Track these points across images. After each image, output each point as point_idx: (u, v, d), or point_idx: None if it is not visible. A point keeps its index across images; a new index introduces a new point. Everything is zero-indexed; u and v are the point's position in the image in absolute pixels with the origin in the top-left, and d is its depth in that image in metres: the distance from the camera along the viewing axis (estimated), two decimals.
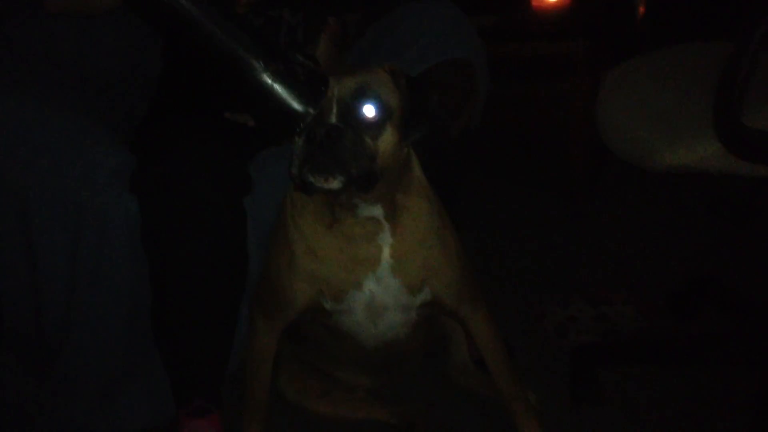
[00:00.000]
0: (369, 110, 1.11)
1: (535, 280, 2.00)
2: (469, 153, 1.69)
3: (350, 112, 1.10)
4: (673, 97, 1.39)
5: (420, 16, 1.78)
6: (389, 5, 1.86)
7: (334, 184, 1.08)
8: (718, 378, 1.58)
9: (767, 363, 1.50)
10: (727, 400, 1.53)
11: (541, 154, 2.66)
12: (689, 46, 1.62)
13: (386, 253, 1.24)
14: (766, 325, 1.56)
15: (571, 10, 2.40)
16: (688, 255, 2.06)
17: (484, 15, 2.50)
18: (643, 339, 1.73)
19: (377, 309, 1.29)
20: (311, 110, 1.13)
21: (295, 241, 1.26)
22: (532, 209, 2.40)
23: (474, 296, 1.35)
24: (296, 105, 1.15)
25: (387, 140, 1.12)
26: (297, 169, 1.09)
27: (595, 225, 2.27)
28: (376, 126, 1.11)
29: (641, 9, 1.96)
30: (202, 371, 1.43)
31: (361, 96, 1.11)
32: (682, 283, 1.82)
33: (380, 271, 1.25)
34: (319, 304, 1.28)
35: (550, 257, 2.12)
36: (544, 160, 2.64)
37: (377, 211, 1.21)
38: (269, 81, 1.14)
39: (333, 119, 1.09)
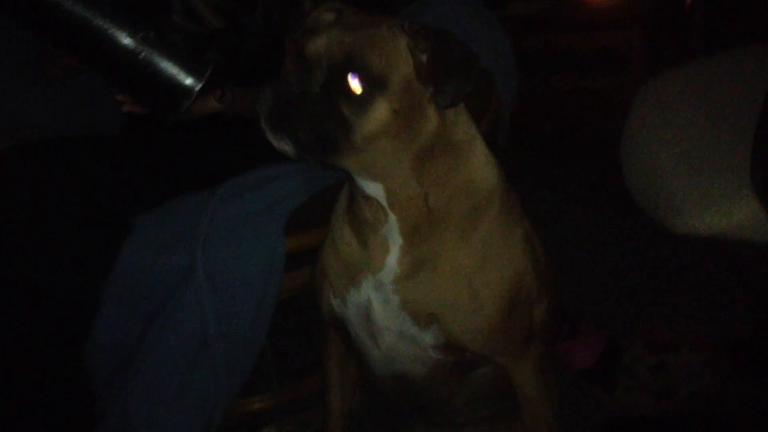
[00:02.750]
0: (354, 83, 0.95)
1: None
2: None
3: (335, 75, 0.95)
4: (711, 130, 1.12)
5: (432, 13, 1.57)
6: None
7: (284, 146, 0.97)
8: None
9: None
10: None
11: (590, 161, 2.29)
12: (746, 50, 1.31)
13: (393, 256, 1.05)
14: None
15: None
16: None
17: (527, 2, 2.23)
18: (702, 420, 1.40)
19: (376, 325, 1.10)
20: (196, 85, 0.99)
21: (327, 234, 1.15)
22: (579, 228, 2.06)
23: (519, 348, 1.11)
24: (179, 77, 1.00)
25: (375, 117, 0.96)
26: (260, 114, 0.98)
27: (655, 250, 1.92)
28: (361, 99, 0.95)
29: None
30: None
31: (349, 64, 0.95)
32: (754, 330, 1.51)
33: (381, 276, 1.06)
34: (331, 304, 1.14)
35: (602, 289, 1.80)
36: (593, 168, 2.27)
37: (378, 191, 1.03)
38: (136, 51, 0.98)
39: (317, 81, 0.96)
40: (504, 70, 1.60)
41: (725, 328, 1.59)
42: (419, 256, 1.04)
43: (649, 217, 1.08)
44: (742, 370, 1.45)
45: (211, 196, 1.29)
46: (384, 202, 1.03)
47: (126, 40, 0.97)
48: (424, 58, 0.96)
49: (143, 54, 0.97)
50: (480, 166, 1.04)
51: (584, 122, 2.30)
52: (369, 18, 0.98)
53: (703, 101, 1.18)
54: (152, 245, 1.28)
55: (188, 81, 0.99)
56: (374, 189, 1.02)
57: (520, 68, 1.65)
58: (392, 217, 1.03)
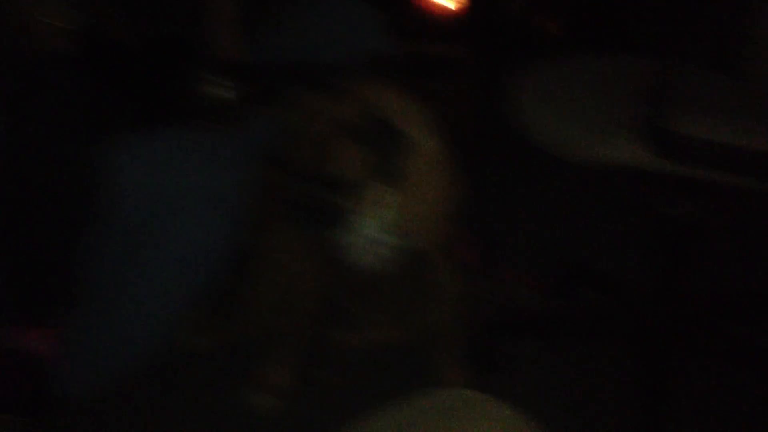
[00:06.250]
0: None
1: None
2: None
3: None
4: (596, 99, 1.56)
5: (334, 6, 1.89)
6: None
7: None
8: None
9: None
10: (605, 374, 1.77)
11: None
12: (587, 57, 1.81)
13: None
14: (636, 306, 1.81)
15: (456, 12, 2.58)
16: (569, 240, 2.29)
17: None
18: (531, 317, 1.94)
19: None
20: None
21: None
22: None
23: (450, 248, 1.59)
24: None
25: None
26: None
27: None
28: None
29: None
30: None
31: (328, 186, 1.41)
32: (563, 266, 2.06)
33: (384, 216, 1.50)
34: None
35: None
36: None
37: None
38: None
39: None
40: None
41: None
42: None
43: (556, 155, 1.52)
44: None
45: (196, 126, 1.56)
46: None
47: None
48: None
49: None
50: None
51: None
52: (321, 121, 1.37)
53: (586, 83, 1.64)
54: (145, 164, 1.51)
55: None
56: None
57: None
58: None
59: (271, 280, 1.76)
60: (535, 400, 1.18)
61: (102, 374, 1.56)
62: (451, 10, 2.56)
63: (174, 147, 1.55)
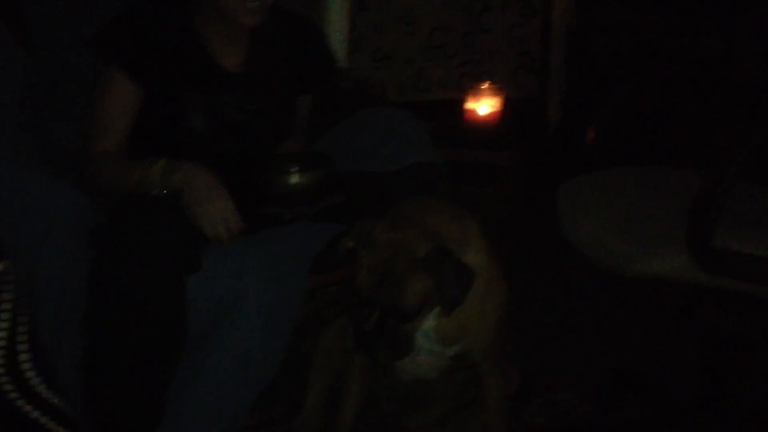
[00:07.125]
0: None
1: None
2: None
3: (386, 312, 1.39)
4: (636, 210, 1.60)
5: (387, 120, 1.98)
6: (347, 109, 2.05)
7: (379, 359, 1.46)
8: None
9: None
10: None
11: None
12: (629, 169, 1.86)
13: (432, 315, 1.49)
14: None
15: (498, 124, 2.68)
16: (616, 348, 2.30)
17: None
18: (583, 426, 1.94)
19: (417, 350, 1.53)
20: None
21: None
22: None
23: (496, 358, 1.61)
24: None
25: (422, 324, 1.46)
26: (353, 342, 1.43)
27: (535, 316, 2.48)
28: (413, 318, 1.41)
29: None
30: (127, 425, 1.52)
31: (400, 315, 1.40)
32: (609, 374, 2.07)
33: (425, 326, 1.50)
34: None
35: None
36: None
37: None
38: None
39: (374, 315, 1.39)
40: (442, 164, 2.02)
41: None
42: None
43: (597, 266, 1.55)
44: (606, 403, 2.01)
45: (253, 242, 1.64)
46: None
47: None
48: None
49: None
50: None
51: None
52: (390, 253, 1.38)
53: (625, 193, 1.68)
54: (208, 278, 1.60)
55: None
56: None
57: None
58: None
59: (321, 384, 1.79)
60: None
61: None
62: (493, 119, 2.65)
63: (233, 258, 1.62)
